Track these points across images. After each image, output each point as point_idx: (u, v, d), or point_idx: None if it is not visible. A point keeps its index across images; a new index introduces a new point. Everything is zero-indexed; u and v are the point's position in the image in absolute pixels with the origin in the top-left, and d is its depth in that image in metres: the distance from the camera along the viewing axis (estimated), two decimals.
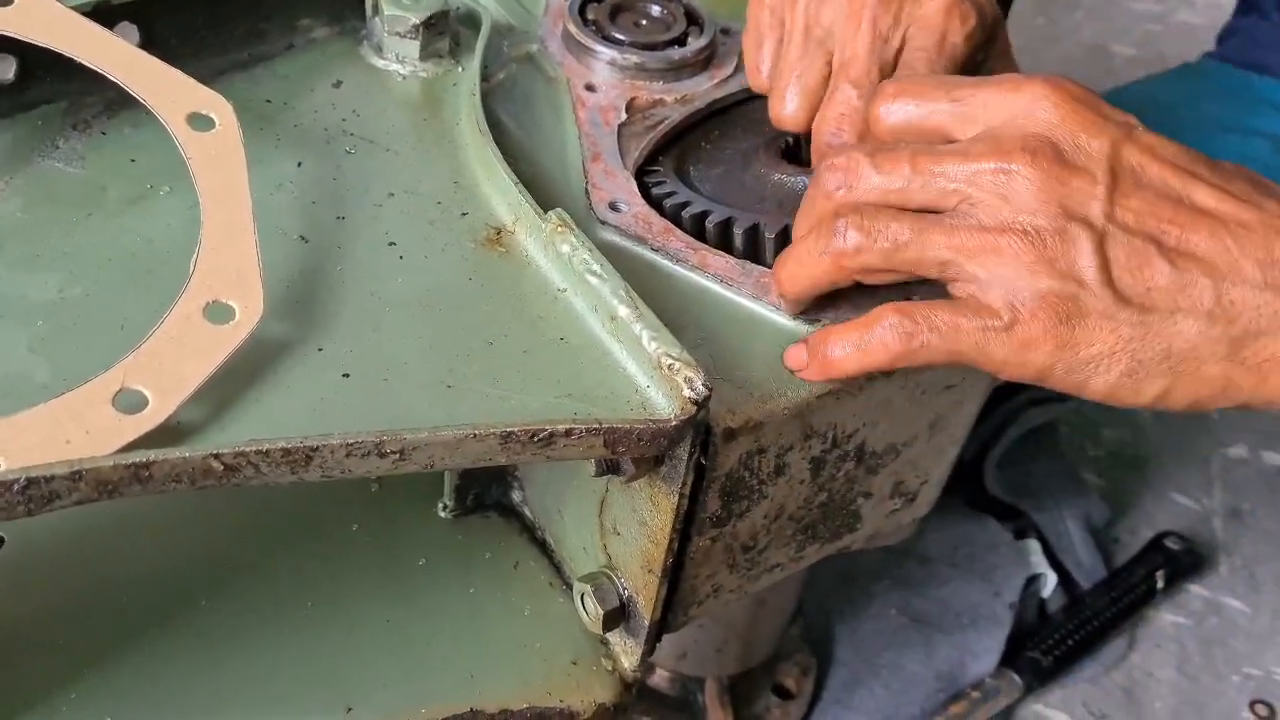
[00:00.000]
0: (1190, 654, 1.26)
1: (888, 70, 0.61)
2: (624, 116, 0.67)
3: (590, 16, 0.72)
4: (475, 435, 0.47)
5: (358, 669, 0.59)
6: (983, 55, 0.64)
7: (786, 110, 0.64)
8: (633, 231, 0.60)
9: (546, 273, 0.56)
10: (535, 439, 0.48)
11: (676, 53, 0.70)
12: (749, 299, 0.58)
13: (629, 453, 0.50)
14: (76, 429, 0.44)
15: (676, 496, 0.53)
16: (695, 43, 0.71)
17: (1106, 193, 0.49)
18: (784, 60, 0.64)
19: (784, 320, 0.57)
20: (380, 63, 0.68)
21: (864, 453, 0.61)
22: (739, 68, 0.72)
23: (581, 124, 0.66)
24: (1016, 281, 0.49)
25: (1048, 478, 1.31)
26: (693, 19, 0.73)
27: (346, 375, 0.50)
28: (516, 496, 0.67)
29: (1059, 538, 1.28)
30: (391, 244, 0.57)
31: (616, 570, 0.60)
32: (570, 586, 0.63)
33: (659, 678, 1.08)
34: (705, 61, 0.71)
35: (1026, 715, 1.19)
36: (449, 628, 0.61)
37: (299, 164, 0.61)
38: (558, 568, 0.65)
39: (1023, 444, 1.31)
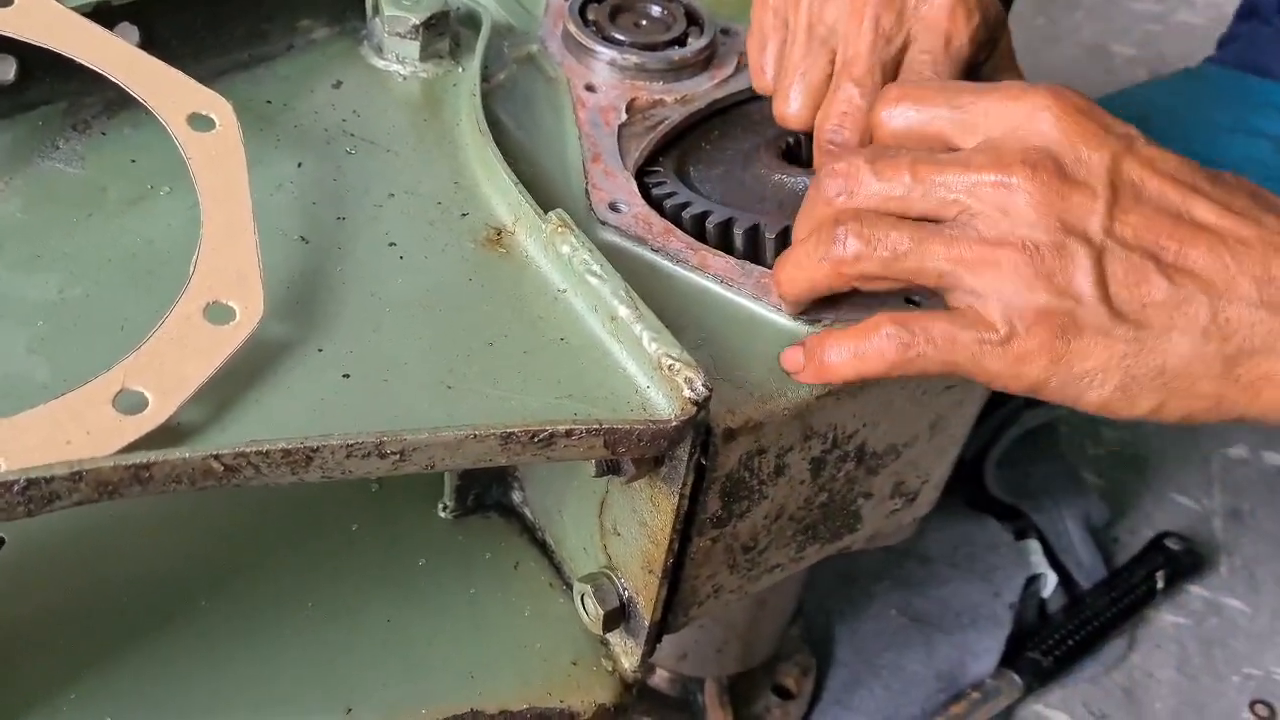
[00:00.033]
0: (1190, 654, 1.26)
1: (890, 69, 0.61)
2: (624, 117, 0.67)
3: (590, 17, 0.72)
4: (475, 436, 0.47)
5: (358, 669, 0.59)
6: (985, 55, 0.64)
7: (790, 109, 0.64)
8: (633, 232, 0.60)
9: (547, 273, 0.56)
10: (535, 440, 0.48)
11: (677, 53, 0.70)
12: (749, 299, 0.58)
13: (629, 453, 0.50)
14: (77, 430, 0.44)
15: (677, 497, 0.53)
16: (695, 43, 0.71)
17: (1106, 208, 0.49)
18: (787, 60, 0.64)
19: (784, 321, 0.57)
20: (380, 63, 0.68)
21: (864, 453, 0.61)
22: (739, 68, 0.72)
23: (582, 124, 0.66)
24: (1014, 296, 0.49)
25: (1048, 478, 1.31)
26: (693, 19, 0.73)
27: (347, 376, 0.50)
28: (517, 497, 0.67)
29: (1059, 538, 1.28)
30: (392, 244, 0.57)
31: (617, 571, 0.60)
32: (570, 587, 0.63)
33: (659, 678, 1.08)
34: (705, 62, 0.71)
35: (1026, 715, 1.19)
36: (449, 628, 0.62)
37: (299, 164, 0.61)
38: (558, 568, 0.65)
39: (1023, 444, 1.31)
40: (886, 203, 0.52)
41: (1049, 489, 1.31)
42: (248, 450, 0.44)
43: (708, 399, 0.50)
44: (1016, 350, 0.50)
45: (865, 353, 0.52)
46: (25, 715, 0.54)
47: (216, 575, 0.61)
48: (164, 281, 0.52)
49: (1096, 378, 0.50)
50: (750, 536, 0.60)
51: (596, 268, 0.53)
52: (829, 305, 0.57)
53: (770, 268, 0.59)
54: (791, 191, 0.64)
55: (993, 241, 0.50)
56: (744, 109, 0.71)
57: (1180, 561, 1.30)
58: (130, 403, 0.45)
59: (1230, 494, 1.41)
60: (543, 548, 0.66)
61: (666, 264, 0.59)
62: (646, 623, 0.59)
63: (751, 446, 0.54)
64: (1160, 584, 1.27)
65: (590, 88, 0.69)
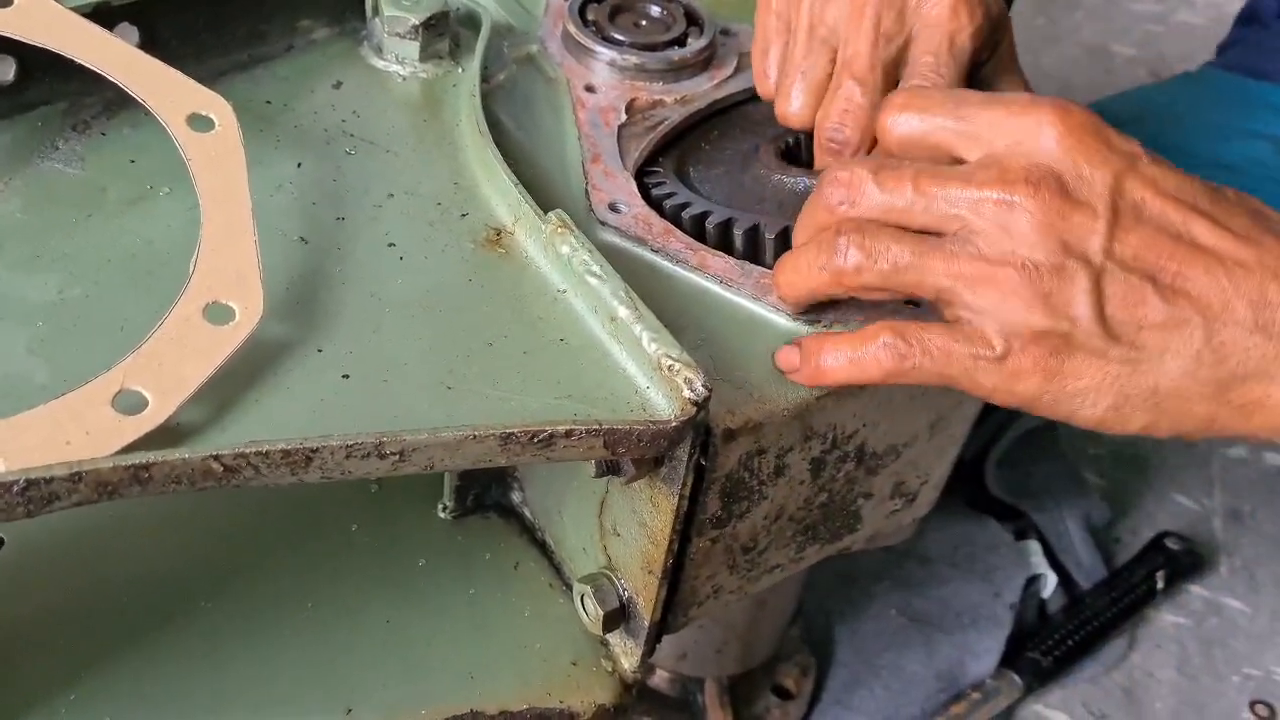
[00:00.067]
0: (1190, 654, 1.26)
1: (892, 68, 0.61)
2: (624, 117, 0.67)
3: (590, 17, 0.72)
4: (475, 436, 0.47)
5: (358, 670, 0.59)
6: (988, 54, 0.64)
7: (791, 108, 0.64)
8: (632, 232, 0.60)
9: (546, 274, 0.56)
10: (535, 440, 0.48)
11: (676, 53, 0.70)
12: (749, 300, 0.58)
13: (629, 454, 0.50)
14: (76, 430, 0.44)
15: (676, 497, 0.53)
16: (695, 43, 0.71)
17: (1107, 228, 0.49)
18: (789, 60, 0.65)
19: (784, 321, 0.57)
20: (380, 64, 0.68)
21: (864, 453, 0.61)
22: (739, 68, 0.72)
23: (581, 125, 0.66)
24: (1011, 315, 0.50)
25: (1048, 478, 1.31)
26: (692, 19, 0.73)
27: (346, 376, 0.50)
28: (516, 497, 0.67)
29: (1059, 538, 1.28)
30: (391, 245, 0.57)
31: (616, 571, 0.60)
32: (570, 587, 0.63)
33: (659, 678, 1.08)
34: (705, 62, 0.71)
35: (1026, 715, 1.19)
36: (449, 628, 0.62)
37: (299, 165, 0.61)
38: (558, 569, 0.65)
39: (1023, 444, 1.31)
40: (888, 214, 0.52)
41: (1049, 489, 1.31)
42: (247, 451, 0.44)
43: (707, 399, 0.50)
44: (1011, 367, 0.51)
45: (862, 360, 0.52)
46: (25, 715, 0.55)
47: (216, 576, 0.61)
48: (163, 282, 0.52)
49: (1089, 396, 0.51)
50: (750, 537, 0.60)
51: (596, 268, 0.53)
52: (829, 306, 0.57)
53: (770, 268, 0.59)
54: (791, 192, 0.64)
55: (992, 260, 0.50)
56: (744, 109, 0.71)
57: (1180, 561, 1.30)
58: (130, 403, 0.45)
59: (1230, 494, 1.41)
60: (542, 548, 0.66)
61: (666, 264, 0.59)
62: (646, 623, 0.59)
63: (751, 447, 0.54)
64: (1160, 584, 1.27)
65: (590, 88, 0.69)
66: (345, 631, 0.60)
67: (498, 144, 0.60)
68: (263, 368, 0.49)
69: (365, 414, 0.48)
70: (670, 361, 0.50)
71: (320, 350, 0.51)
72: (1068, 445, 1.35)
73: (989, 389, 0.52)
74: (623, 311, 0.52)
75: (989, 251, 0.50)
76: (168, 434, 0.45)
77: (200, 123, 0.55)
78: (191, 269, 0.50)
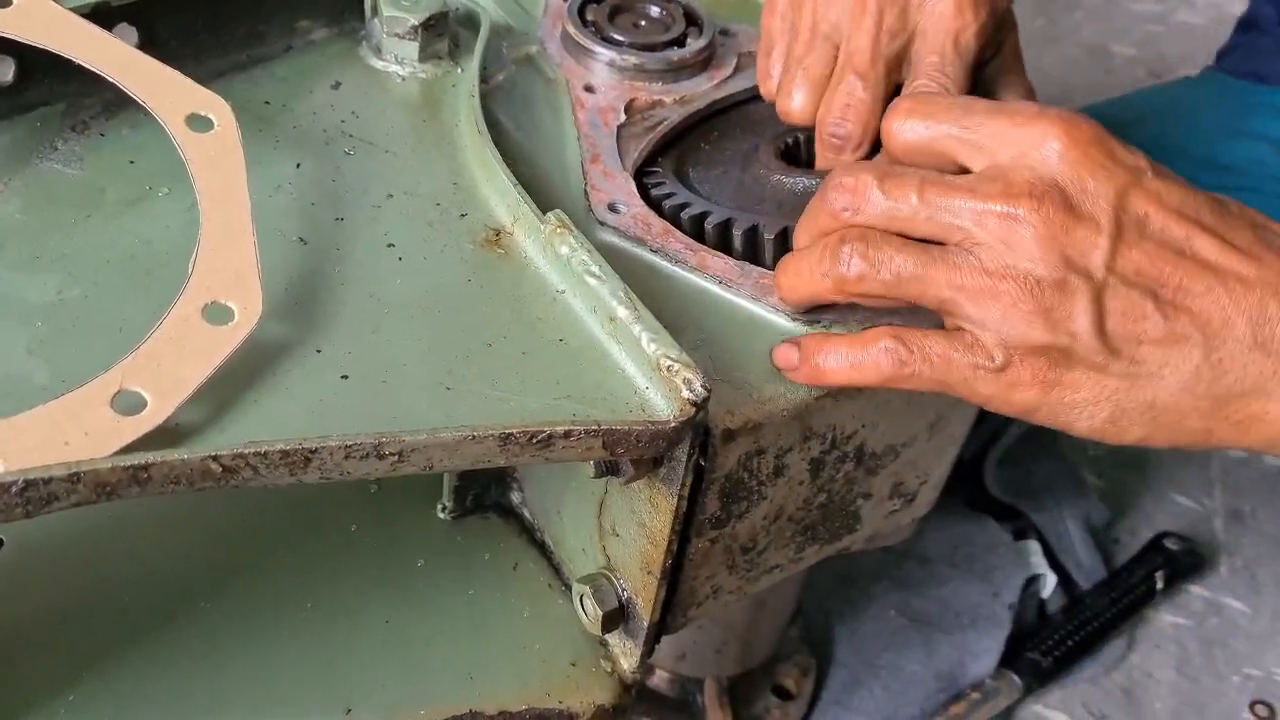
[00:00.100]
0: (1190, 655, 1.26)
1: (894, 64, 0.61)
2: (623, 117, 0.67)
3: (589, 17, 0.72)
4: (474, 437, 0.47)
5: (357, 670, 0.59)
6: (992, 52, 0.64)
7: (793, 104, 0.64)
8: (632, 233, 0.60)
9: (545, 274, 0.56)
10: (534, 440, 0.48)
11: (675, 54, 0.70)
12: (748, 300, 0.58)
13: (628, 454, 0.50)
14: (75, 431, 0.44)
15: (675, 498, 0.53)
16: (694, 44, 0.71)
17: (1110, 243, 0.50)
18: (791, 57, 0.65)
19: (783, 321, 0.57)
20: (379, 64, 0.68)
21: (863, 453, 0.61)
22: (738, 68, 0.72)
23: (580, 125, 0.66)
24: (1012, 329, 0.50)
25: (1047, 478, 1.31)
26: (692, 20, 0.73)
27: (345, 377, 0.50)
28: (515, 498, 0.67)
29: (1059, 538, 1.28)
30: (390, 245, 0.57)
31: (616, 571, 0.60)
32: (569, 588, 0.63)
33: (658, 679, 1.08)
34: (704, 62, 0.71)
35: (1026, 716, 1.19)
36: (448, 629, 0.62)
37: (298, 165, 0.61)
38: (557, 569, 0.65)
39: (1022, 444, 1.31)
40: (891, 221, 0.52)
41: (1049, 489, 1.31)
42: (246, 451, 0.44)
43: (706, 400, 0.50)
44: (1009, 378, 0.51)
45: (862, 363, 0.53)
46: (25, 715, 0.55)
47: (216, 576, 0.61)
48: (162, 282, 0.52)
49: (1087, 409, 0.51)
50: (749, 537, 0.60)
51: (595, 268, 0.53)
52: (828, 307, 0.57)
53: (769, 268, 0.59)
54: (790, 192, 0.64)
55: (994, 273, 0.50)
56: (743, 109, 0.71)
57: (1180, 562, 1.30)
58: (128, 403, 0.45)
59: (1230, 494, 1.41)
60: (541, 548, 0.66)
61: (665, 265, 0.59)
62: (645, 623, 0.59)
63: (750, 447, 0.54)
64: (1160, 584, 1.27)
65: (589, 88, 0.69)
66: (345, 632, 0.60)
67: (497, 144, 0.60)
68: (262, 368, 0.49)
69: (364, 414, 0.48)
70: (669, 362, 0.50)
71: (319, 351, 0.51)
72: (1067, 446, 1.35)
73: (986, 398, 0.52)
74: (622, 312, 0.52)
75: (991, 265, 0.50)
76: (166, 434, 0.45)
77: (199, 123, 0.55)
78: (190, 269, 0.50)
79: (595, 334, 0.53)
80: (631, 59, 0.69)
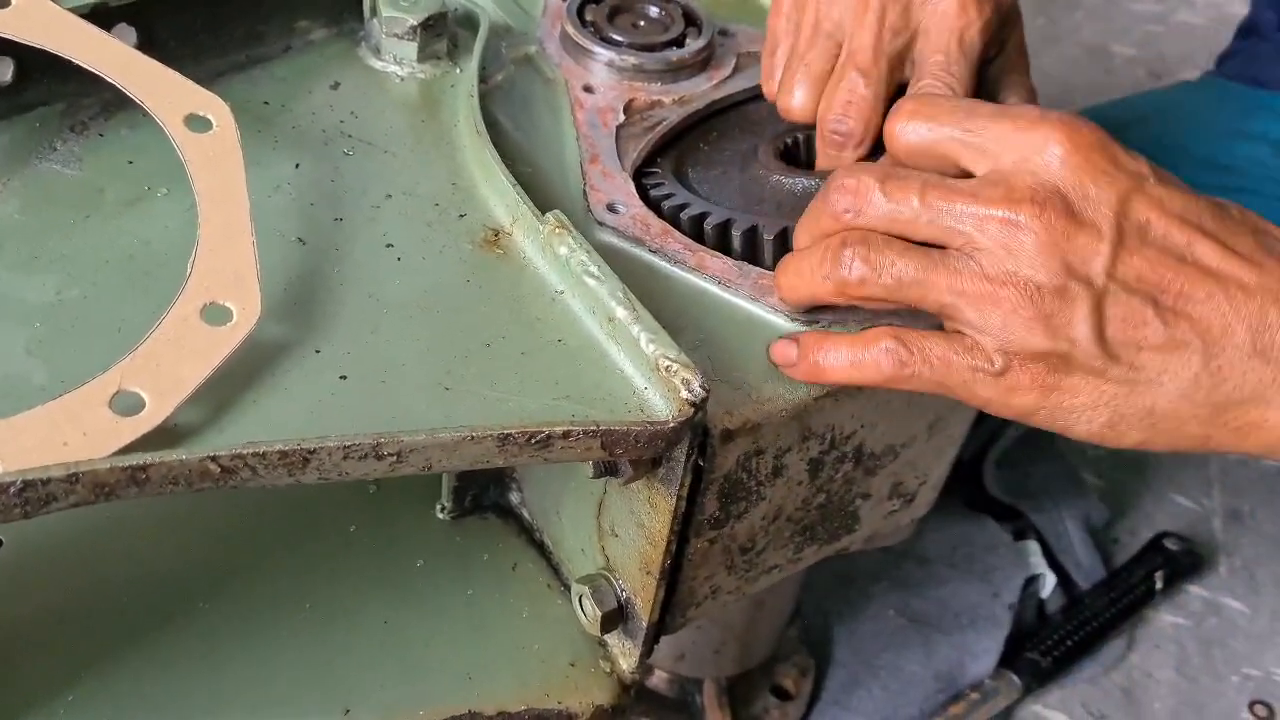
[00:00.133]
0: (1189, 655, 1.26)
1: (897, 62, 0.61)
2: (622, 118, 0.67)
3: (588, 18, 0.72)
4: (472, 437, 0.47)
5: (356, 670, 0.59)
6: (996, 50, 0.63)
7: (794, 100, 0.64)
8: (631, 233, 0.60)
9: (544, 274, 0.56)
10: (532, 441, 0.48)
11: (675, 54, 0.70)
12: (747, 300, 0.58)
13: (626, 454, 0.50)
14: (74, 431, 0.44)
15: (674, 498, 0.53)
16: (693, 44, 0.71)
17: (1111, 249, 0.50)
18: (793, 54, 0.64)
19: (783, 322, 0.57)
20: (378, 64, 0.68)
21: (862, 454, 0.61)
22: (737, 69, 0.72)
23: (579, 125, 0.66)
24: (1012, 335, 0.50)
25: (1047, 478, 1.31)
26: (691, 20, 0.73)
27: (344, 377, 0.50)
28: (515, 498, 0.67)
29: (1058, 538, 1.28)
30: (389, 246, 0.57)
31: (615, 572, 0.60)
32: (568, 588, 0.63)
33: (657, 679, 1.08)
34: (703, 63, 0.71)
35: (1025, 716, 1.19)
36: (447, 629, 0.62)
37: (297, 165, 0.61)
38: (556, 569, 0.65)
39: (1022, 444, 1.31)
40: (892, 224, 0.52)
41: (1048, 489, 1.31)
42: (245, 452, 0.44)
43: (705, 400, 0.50)
44: (1009, 382, 0.51)
45: (862, 362, 0.53)
46: (24, 716, 0.55)
47: (215, 576, 0.61)
48: (161, 283, 0.52)
49: (1085, 413, 0.51)
50: (748, 537, 0.60)
51: (594, 269, 0.53)
52: (827, 307, 0.57)
53: (768, 269, 0.59)
54: (790, 193, 0.64)
55: (995, 279, 0.50)
56: (742, 110, 0.71)
57: (1179, 562, 1.30)
58: (127, 404, 0.45)
59: (1230, 494, 1.41)
60: (541, 549, 0.66)
61: (664, 265, 0.59)
62: (644, 624, 0.59)
63: (749, 447, 0.54)
64: (1159, 584, 1.27)
65: (588, 89, 0.69)
66: (343, 632, 0.60)
67: (496, 145, 0.60)
68: (260, 369, 0.49)
69: (363, 415, 0.48)
70: (668, 362, 0.50)
71: (318, 351, 0.51)
72: (1066, 446, 1.35)
73: (985, 400, 0.52)
74: (620, 312, 0.52)
75: (992, 270, 0.50)
76: (165, 435, 0.45)
77: (198, 123, 0.55)
78: (189, 270, 0.50)
79: (594, 334, 0.53)
80: (630, 59, 0.69)
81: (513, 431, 0.47)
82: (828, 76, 0.63)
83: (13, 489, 0.40)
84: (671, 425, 0.50)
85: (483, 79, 0.67)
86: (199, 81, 0.57)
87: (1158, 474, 1.42)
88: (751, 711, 1.09)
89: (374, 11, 0.68)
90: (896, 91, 0.62)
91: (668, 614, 0.60)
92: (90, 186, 0.58)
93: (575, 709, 0.61)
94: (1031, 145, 0.51)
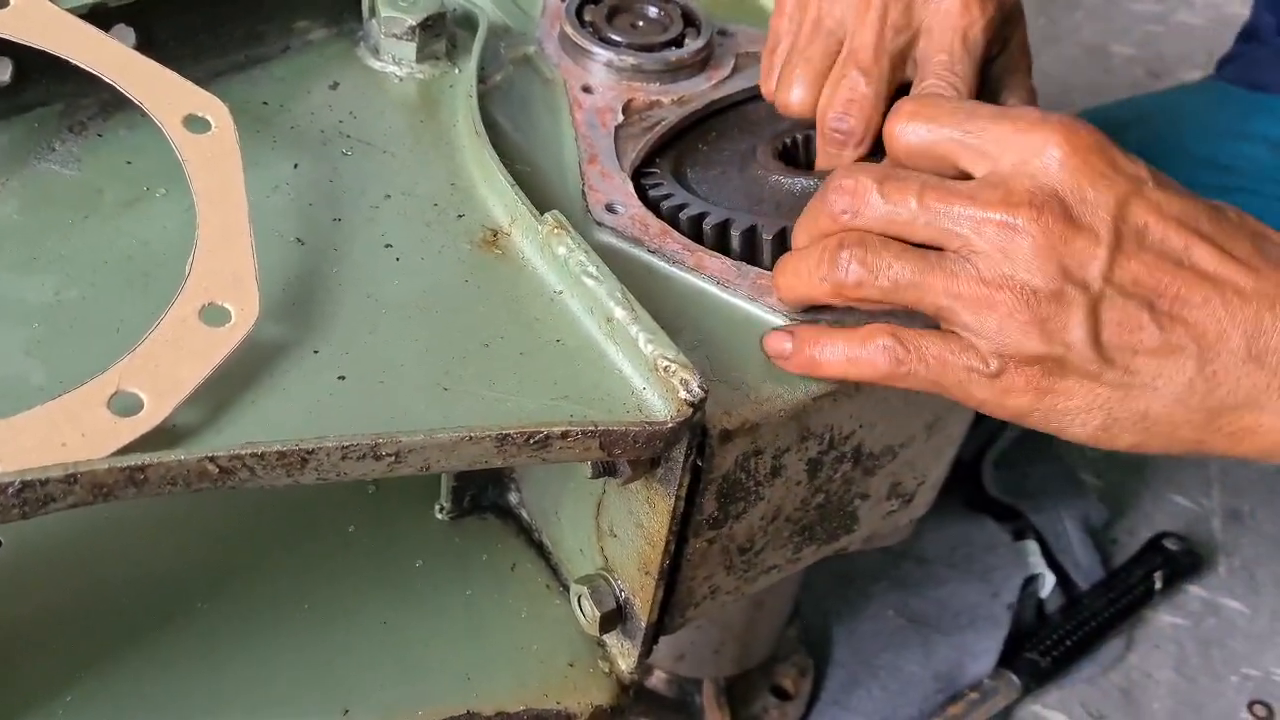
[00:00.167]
0: (1188, 655, 1.26)
1: (899, 61, 0.61)
2: (621, 118, 0.67)
3: (587, 18, 0.72)
4: (471, 438, 0.47)
5: (355, 671, 0.59)
6: (998, 48, 0.63)
7: (791, 95, 0.63)
8: (629, 233, 0.60)
9: (543, 275, 0.56)
10: (531, 441, 0.48)
11: (673, 54, 0.70)
12: (746, 300, 0.58)
13: (625, 455, 0.50)
14: (72, 431, 0.44)
15: (673, 498, 0.53)
16: (692, 44, 0.71)
17: (1108, 253, 0.50)
18: (793, 50, 0.64)
19: (781, 322, 0.57)
20: (377, 64, 0.68)
21: (861, 454, 0.61)
22: (736, 69, 0.72)
23: (578, 125, 0.66)
24: (1007, 338, 0.50)
25: (1046, 478, 1.31)
26: (690, 20, 0.73)
27: (342, 378, 0.50)
28: (513, 498, 0.67)
29: (1057, 538, 1.28)
30: (388, 246, 0.57)
31: (613, 572, 0.60)
32: (567, 588, 0.63)
33: (656, 679, 1.08)
34: (702, 63, 0.71)
35: (1024, 716, 1.19)
36: (446, 629, 0.62)
37: (295, 166, 0.61)
38: (555, 570, 0.65)
39: (1021, 444, 1.31)
40: (890, 226, 0.52)
41: (1047, 489, 1.31)
42: (243, 452, 0.44)
43: (703, 400, 0.50)
44: (1004, 384, 0.51)
45: (858, 359, 0.53)
46: (23, 716, 0.55)
47: (214, 577, 0.61)
48: (160, 283, 0.52)
49: (1079, 416, 0.52)
50: (747, 538, 0.60)
51: (593, 269, 0.53)
52: (825, 306, 0.57)
53: (767, 269, 0.59)
54: (789, 193, 0.64)
55: (991, 283, 0.50)
56: (741, 110, 0.71)
57: (1178, 562, 1.30)
58: (125, 405, 0.45)
59: (1229, 494, 1.41)
60: (539, 549, 0.66)
61: (663, 265, 0.59)
62: (643, 624, 0.59)
63: (748, 448, 0.54)
64: (1158, 584, 1.27)
65: (587, 89, 0.69)
66: (342, 632, 0.60)
67: (494, 145, 0.60)
68: (259, 369, 0.49)
69: (361, 415, 0.48)
70: (666, 362, 0.50)
71: (316, 351, 0.51)
72: (1065, 446, 1.35)
73: (980, 401, 0.52)
74: (619, 312, 0.52)
75: (988, 273, 0.50)
76: (163, 435, 0.45)
77: (196, 124, 0.55)
78: (188, 270, 0.50)
79: (592, 334, 0.53)
80: (629, 59, 0.69)
81: (511, 432, 0.47)
82: (827, 73, 0.63)
83: (11, 489, 0.41)
84: (670, 425, 0.50)
85: (481, 79, 0.67)
86: (198, 82, 0.57)
87: (1157, 474, 1.42)
88: (751, 711, 1.09)
89: (373, 12, 0.68)
90: (898, 90, 0.62)
91: (666, 614, 0.60)
92: (89, 187, 0.58)
93: (574, 709, 0.61)
94: (1031, 148, 0.51)
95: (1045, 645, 1.20)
